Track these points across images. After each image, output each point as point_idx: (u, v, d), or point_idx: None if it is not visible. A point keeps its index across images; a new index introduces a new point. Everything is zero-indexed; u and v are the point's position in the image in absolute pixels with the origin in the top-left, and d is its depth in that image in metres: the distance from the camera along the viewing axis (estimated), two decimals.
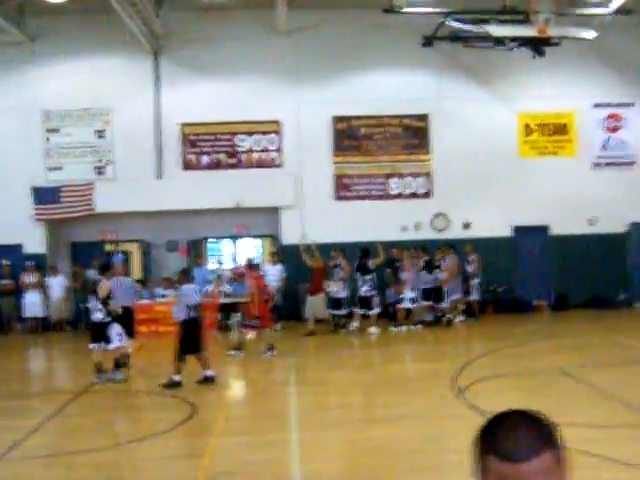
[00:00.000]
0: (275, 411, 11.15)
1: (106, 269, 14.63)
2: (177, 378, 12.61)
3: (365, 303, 18.95)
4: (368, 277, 18.95)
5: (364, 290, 18.94)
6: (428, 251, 19.81)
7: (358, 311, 19.03)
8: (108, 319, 13.51)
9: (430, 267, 19.48)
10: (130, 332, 14.76)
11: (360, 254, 19.25)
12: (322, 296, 19.00)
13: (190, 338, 12.70)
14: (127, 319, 14.73)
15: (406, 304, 18.90)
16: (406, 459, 8.54)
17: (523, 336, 17.75)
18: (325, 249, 20.48)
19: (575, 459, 6.57)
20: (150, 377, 13.95)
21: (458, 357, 15.21)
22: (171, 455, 9.04)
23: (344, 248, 19.44)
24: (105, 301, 13.54)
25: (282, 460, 8.79)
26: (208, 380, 12.76)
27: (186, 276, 13.80)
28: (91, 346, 13.55)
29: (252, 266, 17.71)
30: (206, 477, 8.19)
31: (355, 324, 18.85)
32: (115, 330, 13.54)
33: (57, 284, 20.34)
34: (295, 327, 19.75)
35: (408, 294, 18.85)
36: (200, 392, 12.44)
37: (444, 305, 19.29)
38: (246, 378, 14.57)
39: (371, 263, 19.03)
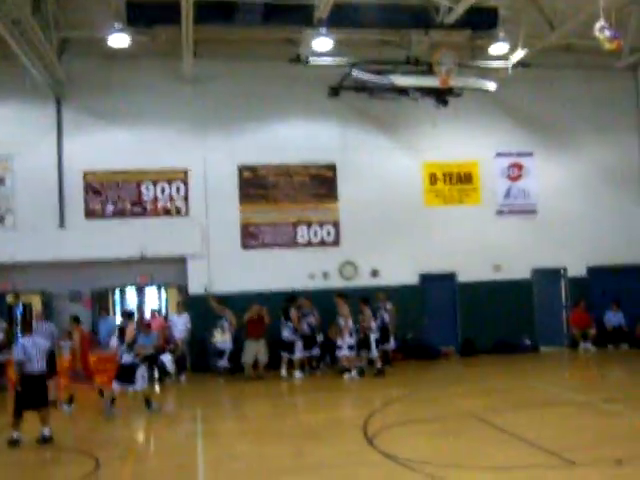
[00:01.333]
0: (183, 463, 10.77)
1: (130, 315, 16.78)
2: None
3: (288, 347, 19.19)
4: (290, 323, 19.18)
5: (285, 335, 19.22)
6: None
7: (285, 355, 19.29)
8: (136, 361, 15.04)
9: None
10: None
11: (285, 300, 19.60)
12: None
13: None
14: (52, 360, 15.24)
15: (345, 352, 18.70)
16: None
17: (432, 382, 17.82)
18: (233, 298, 20.29)
19: None
20: (55, 431, 13.36)
21: (368, 404, 15.12)
22: None
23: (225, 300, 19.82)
24: (131, 345, 15.09)
25: None
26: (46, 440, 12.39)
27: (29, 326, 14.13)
28: (115, 386, 15.07)
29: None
30: None
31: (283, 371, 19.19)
32: (140, 372, 15.06)
33: None
34: (202, 378, 19.34)
35: (348, 341, 18.70)
36: (106, 446, 11.94)
37: (374, 354, 19.06)
38: (153, 431, 14.07)
39: (292, 312, 19.21)
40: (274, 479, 9.54)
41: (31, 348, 12.57)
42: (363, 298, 19.39)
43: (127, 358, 15.06)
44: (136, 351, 15.16)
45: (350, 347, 18.64)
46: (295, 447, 11.52)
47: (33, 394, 12.47)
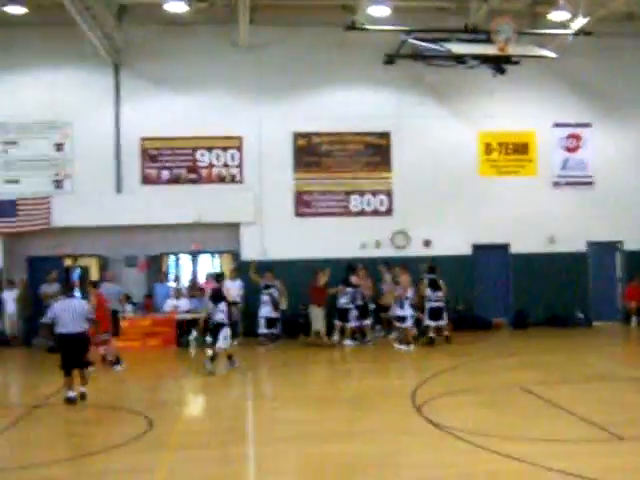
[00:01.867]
0: (232, 426, 10.98)
1: (220, 277, 17.00)
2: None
3: (343, 315, 19.19)
4: (349, 289, 19.12)
5: (342, 302, 19.23)
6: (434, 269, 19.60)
7: (338, 323, 19.37)
8: (226, 322, 15.64)
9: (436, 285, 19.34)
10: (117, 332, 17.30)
11: (347, 268, 19.56)
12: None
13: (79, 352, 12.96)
14: (116, 321, 17.26)
15: (409, 324, 18.73)
16: (362, 474, 8.44)
17: (482, 353, 17.76)
18: (285, 265, 20.47)
19: (536, 474, 6.58)
20: (109, 392, 13.72)
21: (418, 374, 15.16)
22: (125, 469, 8.82)
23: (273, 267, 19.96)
24: (230, 305, 16.06)
25: (239, 474, 8.65)
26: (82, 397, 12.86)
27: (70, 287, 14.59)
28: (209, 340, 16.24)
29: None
30: None
31: (335, 337, 19.30)
32: (224, 333, 15.57)
33: (12, 298, 19.95)
34: (253, 343, 19.58)
35: (410, 312, 18.76)
36: (157, 407, 12.24)
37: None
38: (204, 393, 14.34)
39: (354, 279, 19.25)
40: (321, 445, 9.66)
41: (63, 311, 12.82)
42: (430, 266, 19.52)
43: (218, 316, 15.65)
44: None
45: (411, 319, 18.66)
46: (344, 414, 11.63)
47: (70, 355, 12.81)
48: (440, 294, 18.99)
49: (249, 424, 11.06)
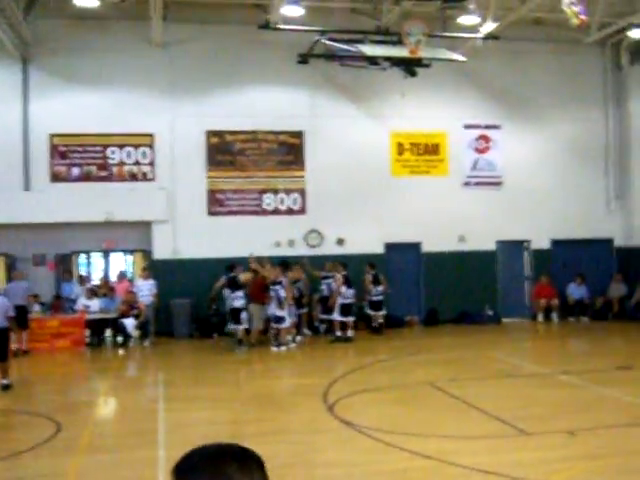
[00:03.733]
0: (143, 428, 10.84)
1: (234, 267, 18.59)
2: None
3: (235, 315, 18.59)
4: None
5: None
6: (346, 266, 19.90)
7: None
8: (244, 307, 18.06)
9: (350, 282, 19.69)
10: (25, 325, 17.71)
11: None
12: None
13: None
14: (23, 315, 17.22)
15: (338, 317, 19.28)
16: (274, 474, 8.44)
17: (394, 351, 18.02)
18: (197, 264, 20.36)
19: (443, 470, 6.72)
20: (15, 395, 13.39)
21: (329, 372, 15.26)
22: (32, 475, 8.64)
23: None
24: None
25: (148, 478, 8.55)
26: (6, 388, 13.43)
27: None
28: (232, 327, 18.43)
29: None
30: None
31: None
32: (244, 316, 18.02)
33: None
34: (167, 342, 19.42)
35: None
36: (66, 410, 12.02)
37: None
38: (114, 395, 14.14)
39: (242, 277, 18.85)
40: None
41: None
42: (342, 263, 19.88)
43: (238, 302, 17.90)
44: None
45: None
46: (254, 414, 11.64)
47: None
48: (381, 288, 20.20)
49: (159, 426, 10.94)
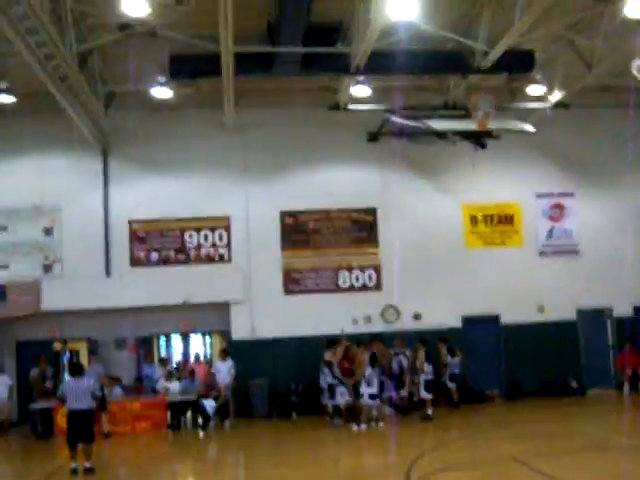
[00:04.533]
0: None
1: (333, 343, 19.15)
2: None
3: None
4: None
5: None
6: (426, 342, 19.71)
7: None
8: (335, 382, 18.35)
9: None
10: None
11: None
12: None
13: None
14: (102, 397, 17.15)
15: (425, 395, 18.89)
16: None
17: (476, 426, 17.65)
18: (275, 343, 20.49)
19: None
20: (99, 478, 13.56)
21: (412, 450, 14.99)
22: None
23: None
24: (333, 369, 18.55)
25: None
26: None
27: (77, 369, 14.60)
28: (325, 402, 18.85)
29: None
30: None
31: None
32: (340, 390, 18.28)
33: (1, 383, 19.74)
34: (246, 423, 19.40)
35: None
36: None
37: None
38: (196, 477, 14.16)
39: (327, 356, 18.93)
40: None
41: (72, 388, 13.57)
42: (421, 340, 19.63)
43: (328, 379, 18.52)
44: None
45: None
46: None
47: (78, 429, 13.40)
48: (457, 359, 20.34)
49: None
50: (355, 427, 17.53)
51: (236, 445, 17.19)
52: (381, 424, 17.80)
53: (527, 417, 18.68)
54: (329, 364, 18.65)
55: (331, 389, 18.58)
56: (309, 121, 21.50)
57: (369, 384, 17.70)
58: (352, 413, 18.23)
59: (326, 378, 18.62)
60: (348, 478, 12.75)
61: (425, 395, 18.82)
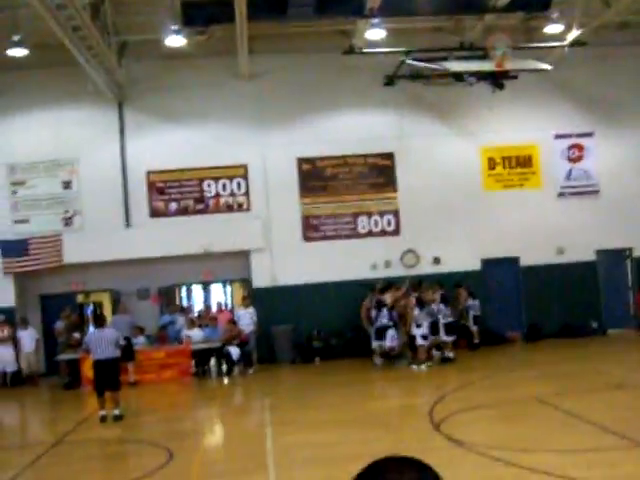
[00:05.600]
0: (252, 452, 11.04)
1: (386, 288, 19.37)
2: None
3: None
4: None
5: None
6: (442, 285, 19.97)
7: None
8: (390, 324, 18.50)
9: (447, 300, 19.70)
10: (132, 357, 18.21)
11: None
12: None
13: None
14: (129, 347, 17.85)
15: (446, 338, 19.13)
16: None
17: (497, 368, 17.78)
18: (296, 290, 20.61)
19: None
20: (128, 425, 13.78)
21: (434, 391, 15.18)
22: None
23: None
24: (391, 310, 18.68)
25: None
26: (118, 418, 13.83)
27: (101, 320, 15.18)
28: (375, 344, 18.76)
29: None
30: None
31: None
32: (390, 333, 18.39)
33: (27, 337, 20.04)
34: (269, 369, 19.65)
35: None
36: (177, 438, 12.29)
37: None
38: (222, 422, 14.41)
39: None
40: (340, 466, 9.68)
41: (97, 339, 13.82)
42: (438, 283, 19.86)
43: (382, 321, 18.51)
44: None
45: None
46: (362, 435, 11.66)
47: (103, 378, 13.68)
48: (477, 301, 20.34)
49: (268, 450, 11.10)
50: (415, 367, 17.97)
51: (260, 390, 17.45)
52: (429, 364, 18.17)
53: (547, 358, 18.79)
54: (385, 306, 18.87)
55: (381, 331, 18.74)
56: (324, 66, 21.31)
57: (419, 326, 18.12)
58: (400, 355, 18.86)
59: (382, 319, 18.67)
60: (370, 419, 12.91)
61: (445, 338, 18.94)
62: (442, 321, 19.01)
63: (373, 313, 19.05)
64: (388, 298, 19.02)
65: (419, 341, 18.18)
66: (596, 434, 10.34)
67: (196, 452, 11.34)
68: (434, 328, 18.61)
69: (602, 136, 22.53)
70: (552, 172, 22.41)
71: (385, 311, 18.72)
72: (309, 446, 11.08)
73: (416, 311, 18.32)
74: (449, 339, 18.94)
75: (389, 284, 19.69)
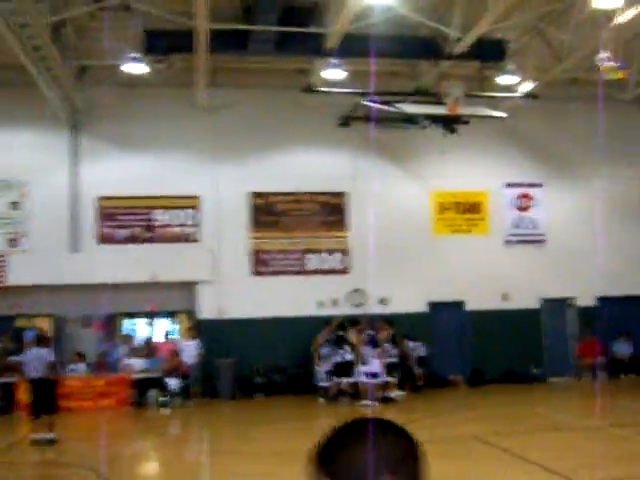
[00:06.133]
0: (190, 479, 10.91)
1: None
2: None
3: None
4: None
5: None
6: (392, 324, 20.22)
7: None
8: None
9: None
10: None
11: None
12: None
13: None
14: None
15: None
16: None
17: (439, 409, 17.86)
18: (242, 323, 20.53)
19: None
20: (61, 449, 13.52)
21: None
22: None
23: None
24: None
25: None
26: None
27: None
28: (328, 382, 19.02)
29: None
30: None
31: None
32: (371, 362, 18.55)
33: None
34: (210, 403, 19.45)
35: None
36: (112, 464, 12.08)
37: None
38: (159, 450, 14.21)
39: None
40: None
41: (34, 358, 13.98)
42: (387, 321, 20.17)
43: (345, 357, 18.95)
44: None
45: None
46: (299, 468, 11.54)
47: (40, 399, 13.70)
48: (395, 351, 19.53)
49: (206, 477, 10.96)
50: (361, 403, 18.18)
51: (199, 422, 17.28)
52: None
53: (489, 401, 18.96)
54: (346, 342, 19.26)
55: (343, 367, 19.03)
56: (281, 103, 21.51)
57: (365, 363, 18.33)
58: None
59: (345, 355, 19.08)
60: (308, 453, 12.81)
61: (389, 378, 19.00)
62: (388, 360, 19.11)
63: (324, 350, 19.10)
64: (353, 336, 19.17)
65: (363, 379, 18.22)
66: (532, 471, 10.44)
67: (131, 477, 11.15)
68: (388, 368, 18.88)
69: (551, 187, 23.05)
70: (500, 219, 22.80)
71: (347, 347, 18.92)
72: (247, 477, 10.98)
73: (366, 349, 18.38)
74: (393, 380, 19.00)
75: (349, 321, 19.89)
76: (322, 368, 19.26)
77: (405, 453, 1.69)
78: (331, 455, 1.68)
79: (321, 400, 18.80)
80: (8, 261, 20.23)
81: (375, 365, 18.45)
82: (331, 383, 18.95)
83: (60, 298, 20.69)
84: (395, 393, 18.81)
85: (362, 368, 18.29)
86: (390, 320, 20.25)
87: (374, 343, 18.61)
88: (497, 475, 10.32)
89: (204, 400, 19.65)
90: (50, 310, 21.07)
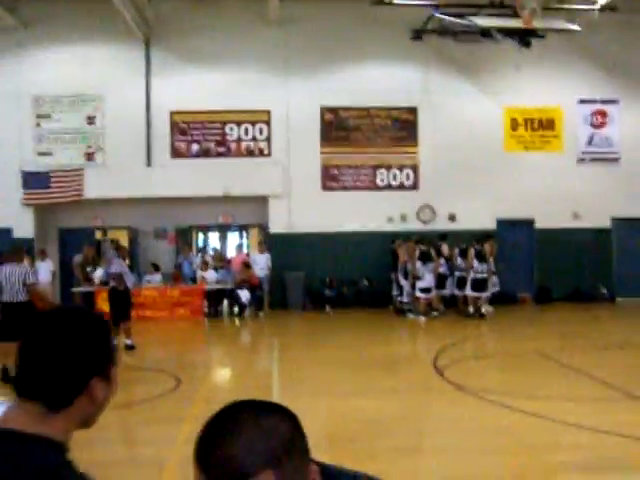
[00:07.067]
0: (259, 384, 11.34)
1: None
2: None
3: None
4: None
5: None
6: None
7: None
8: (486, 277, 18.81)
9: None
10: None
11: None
12: None
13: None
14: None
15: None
16: (385, 426, 8.75)
17: (504, 323, 17.99)
18: (311, 238, 20.83)
19: (552, 427, 6.86)
20: (138, 355, 14.15)
21: (440, 341, 15.41)
22: (156, 418, 9.21)
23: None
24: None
25: None
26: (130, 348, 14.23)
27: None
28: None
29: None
30: (185, 439, 8.34)
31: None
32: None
33: (45, 268, 20.38)
34: (280, 314, 19.96)
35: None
36: (186, 368, 12.64)
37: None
38: (231, 357, 14.74)
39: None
40: (343, 399, 9.98)
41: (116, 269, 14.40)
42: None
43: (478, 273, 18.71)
44: None
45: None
46: (367, 374, 11.93)
47: (117, 309, 14.16)
48: (485, 266, 19.08)
49: (275, 382, 11.40)
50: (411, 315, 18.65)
51: (269, 332, 17.78)
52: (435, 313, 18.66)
53: (556, 319, 18.99)
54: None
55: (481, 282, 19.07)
56: (353, 16, 21.29)
57: (419, 278, 18.55)
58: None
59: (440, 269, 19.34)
60: (377, 360, 13.17)
61: (470, 293, 19.06)
62: (471, 276, 19.00)
63: (418, 265, 19.04)
64: (445, 249, 19.58)
65: (418, 294, 18.45)
66: (593, 386, 10.57)
67: (203, 381, 11.66)
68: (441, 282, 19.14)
69: (626, 104, 22.45)
70: (573, 136, 22.38)
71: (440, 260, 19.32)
72: (314, 381, 11.37)
73: (418, 264, 18.52)
74: (475, 294, 19.00)
75: (444, 235, 20.27)
76: (413, 282, 19.14)
77: (288, 443, 1.53)
78: (206, 450, 1.51)
79: (410, 316, 18.84)
80: (85, 175, 20.80)
81: (428, 280, 18.58)
82: (428, 295, 18.96)
83: (135, 211, 21.31)
84: (485, 308, 18.88)
85: (419, 284, 18.42)
86: (444, 235, 20.30)
87: (424, 258, 18.65)
88: (558, 388, 10.46)
89: (274, 312, 20.16)
90: (125, 223, 21.71)
